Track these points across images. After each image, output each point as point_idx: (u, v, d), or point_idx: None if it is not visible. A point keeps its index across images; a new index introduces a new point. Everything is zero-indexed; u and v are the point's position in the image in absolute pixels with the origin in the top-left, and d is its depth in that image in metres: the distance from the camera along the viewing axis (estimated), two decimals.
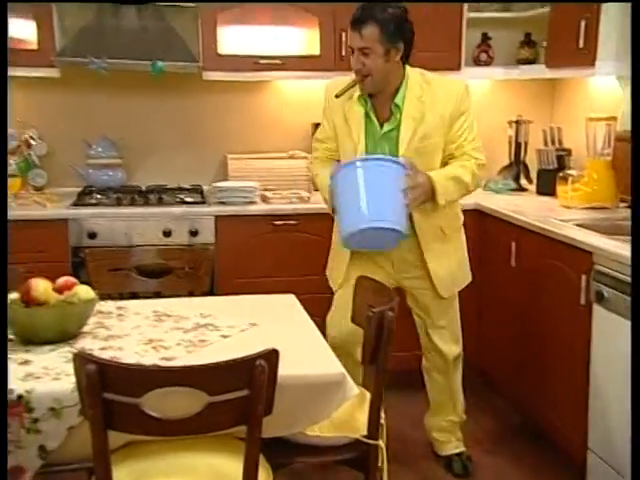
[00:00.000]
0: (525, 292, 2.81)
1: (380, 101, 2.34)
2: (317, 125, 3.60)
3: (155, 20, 3.21)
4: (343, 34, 3.23)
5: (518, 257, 2.85)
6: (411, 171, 2.18)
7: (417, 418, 2.76)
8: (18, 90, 3.32)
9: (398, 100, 2.31)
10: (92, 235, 3.01)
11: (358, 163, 2.16)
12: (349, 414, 1.88)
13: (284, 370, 1.52)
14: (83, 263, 2.95)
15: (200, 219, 3.09)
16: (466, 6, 3.34)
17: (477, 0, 3.41)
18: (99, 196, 3.24)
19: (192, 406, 1.45)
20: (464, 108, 2.32)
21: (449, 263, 2.46)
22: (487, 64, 3.58)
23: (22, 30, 3.14)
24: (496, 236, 3.07)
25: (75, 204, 3.12)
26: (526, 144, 3.53)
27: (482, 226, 3.21)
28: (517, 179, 3.53)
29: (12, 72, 3.08)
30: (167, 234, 3.05)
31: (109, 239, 3.03)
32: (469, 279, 2.61)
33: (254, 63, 3.25)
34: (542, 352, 2.70)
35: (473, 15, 3.38)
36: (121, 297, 2.22)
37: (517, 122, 3.51)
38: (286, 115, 3.58)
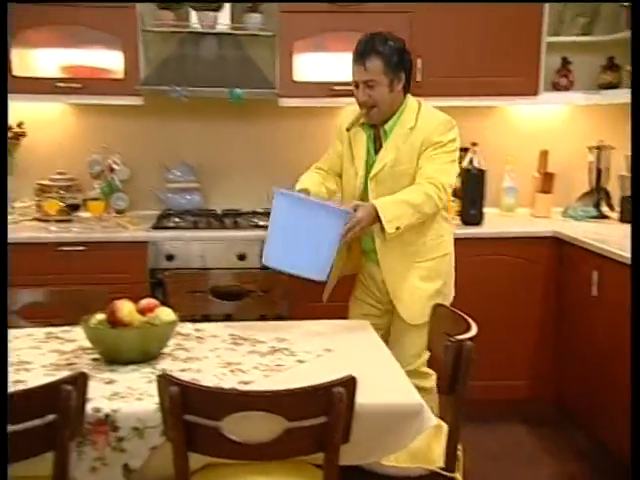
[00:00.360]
0: (607, 323, 2.71)
1: (379, 129, 2.40)
2: None
3: (233, 49, 3.30)
4: (419, 60, 3.24)
5: (600, 287, 2.75)
6: (352, 213, 2.16)
7: (494, 451, 2.68)
8: (104, 117, 3.48)
9: (387, 127, 2.37)
10: (170, 257, 3.10)
11: (298, 201, 2.15)
12: (426, 444, 1.84)
13: (361, 398, 1.51)
14: (160, 284, 3.03)
15: None
16: (545, 30, 3.29)
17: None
18: (177, 219, 3.33)
19: (270, 431, 1.46)
20: (438, 140, 2.31)
21: (418, 291, 2.39)
22: (567, 89, 3.50)
23: (110, 61, 3.30)
24: (576, 265, 2.98)
25: (154, 227, 3.22)
26: (607, 170, 3.42)
27: (560, 254, 3.12)
28: (598, 206, 3.42)
29: (100, 100, 3.26)
30: (241, 257, 3.10)
31: (185, 261, 3.11)
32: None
33: (329, 89, 3.29)
34: (626, 387, 2.57)
35: (552, 40, 3.33)
36: (193, 319, 2.26)
37: (598, 148, 3.41)
38: None
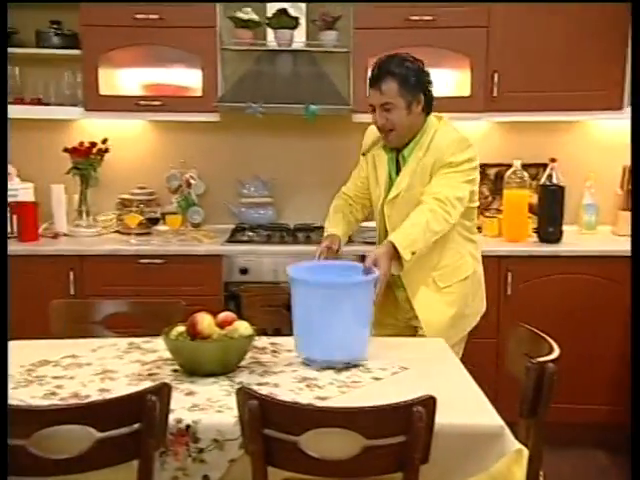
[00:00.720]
0: None
1: (399, 152, 2.35)
2: None
3: (308, 66, 3.34)
4: (495, 75, 3.20)
5: None
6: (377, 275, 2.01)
7: (574, 478, 2.58)
8: (182, 133, 3.59)
9: (406, 152, 2.31)
10: (243, 271, 3.15)
11: (318, 285, 1.91)
12: (506, 467, 1.77)
13: (440, 418, 1.48)
14: (233, 298, 3.08)
15: (346, 258, 3.12)
16: (630, 41, 3.19)
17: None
18: (250, 233, 3.38)
19: (348, 448, 1.45)
20: (450, 160, 2.22)
21: (443, 315, 2.34)
22: None
23: (189, 79, 3.40)
24: None
25: (228, 241, 3.28)
26: None
27: None
28: None
29: (179, 117, 3.37)
30: None
31: (258, 276, 3.15)
32: (466, 329, 2.44)
33: None
34: None
35: None
36: (264, 332, 2.27)
37: None
38: None
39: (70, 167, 3.35)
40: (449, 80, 3.40)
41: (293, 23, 3.29)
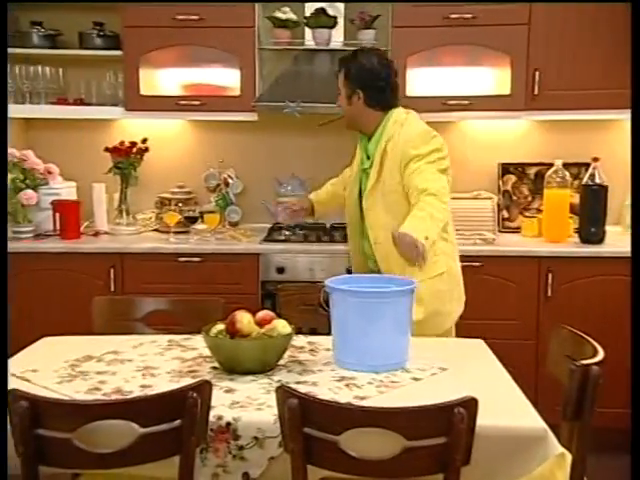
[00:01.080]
0: None
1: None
2: (503, 165, 3.55)
3: None
4: (536, 73, 3.15)
5: None
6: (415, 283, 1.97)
7: None
8: (220, 132, 3.62)
9: (371, 145, 2.40)
10: (280, 270, 3.16)
11: (363, 299, 1.89)
12: (549, 470, 1.75)
13: (481, 419, 1.46)
14: (269, 296, 3.10)
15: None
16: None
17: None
18: (287, 232, 3.39)
19: (388, 449, 1.44)
20: (416, 153, 2.26)
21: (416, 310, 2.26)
22: None
23: (227, 78, 3.42)
24: None
25: (266, 240, 3.29)
26: None
27: None
28: None
29: (217, 117, 3.39)
30: (350, 271, 3.10)
31: (295, 274, 3.16)
32: (445, 327, 2.43)
33: (442, 104, 3.25)
34: None
35: None
36: (300, 331, 2.27)
37: None
38: (471, 155, 3.54)
39: (111, 166, 3.41)
40: (489, 79, 3.36)
41: (331, 22, 3.29)
